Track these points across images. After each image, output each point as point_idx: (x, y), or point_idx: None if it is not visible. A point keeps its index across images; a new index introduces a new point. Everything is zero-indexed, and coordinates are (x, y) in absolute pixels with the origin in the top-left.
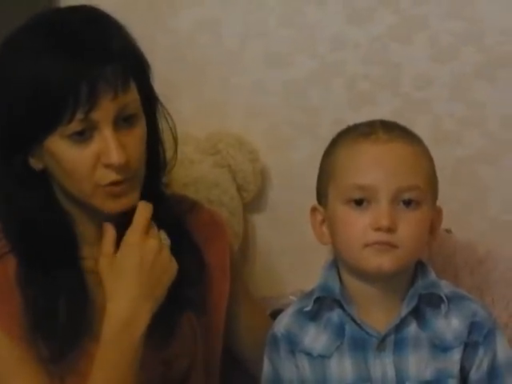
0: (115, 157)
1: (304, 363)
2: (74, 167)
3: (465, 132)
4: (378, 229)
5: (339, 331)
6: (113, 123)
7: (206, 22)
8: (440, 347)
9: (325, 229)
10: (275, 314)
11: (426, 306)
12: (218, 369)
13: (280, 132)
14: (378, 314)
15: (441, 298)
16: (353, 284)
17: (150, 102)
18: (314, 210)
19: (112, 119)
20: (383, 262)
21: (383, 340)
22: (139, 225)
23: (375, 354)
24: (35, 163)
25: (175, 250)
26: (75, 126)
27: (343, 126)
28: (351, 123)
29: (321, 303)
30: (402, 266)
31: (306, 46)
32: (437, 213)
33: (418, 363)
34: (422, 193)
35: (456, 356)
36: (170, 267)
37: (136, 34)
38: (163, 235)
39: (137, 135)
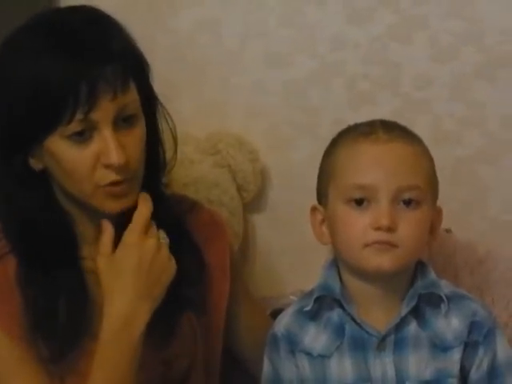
0: (115, 157)
1: (304, 363)
2: (74, 167)
3: (465, 132)
4: (378, 228)
5: (339, 331)
6: (112, 123)
7: (206, 22)
8: (440, 347)
9: (325, 229)
10: (275, 314)
11: (425, 305)
12: (217, 369)
13: (280, 132)
14: (377, 313)
15: (441, 297)
16: (353, 284)
17: (149, 102)
18: (314, 209)
19: (112, 119)
20: (383, 261)
21: (383, 340)
22: (138, 224)
23: (375, 354)
24: (35, 163)
25: (175, 250)
26: (75, 126)
27: (343, 126)
28: (351, 123)
29: (321, 303)
30: (402, 265)
31: (306, 46)
32: (437, 213)
33: (418, 363)
34: (422, 192)
35: (456, 356)
36: (168, 266)
37: (136, 34)
38: (162, 234)
39: (136, 135)
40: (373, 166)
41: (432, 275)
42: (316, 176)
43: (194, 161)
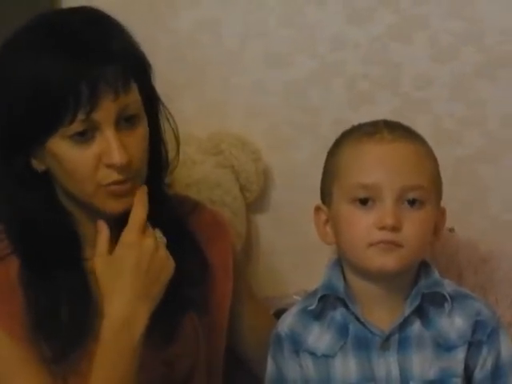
0: (117, 157)
1: (308, 363)
2: (76, 167)
3: (465, 132)
4: (383, 227)
5: (343, 330)
6: (114, 123)
7: (206, 22)
8: (444, 346)
9: (329, 228)
10: (279, 314)
11: (429, 304)
12: (220, 369)
13: (280, 132)
14: (381, 313)
15: (444, 296)
16: (357, 283)
17: (151, 102)
18: (317, 209)
19: (113, 119)
20: (387, 261)
21: (387, 339)
22: (135, 224)
23: (379, 354)
24: (37, 164)
25: (177, 251)
26: (77, 126)
27: (343, 126)
28: (351, 123)
29: (325, 302)
30: (406, 265)
31: (306, 46)
32: (441, 213)
33: (422, 362)
34: (425, 192)
35: (460, 355)
36: (167, 265)
37: (137, 34)
38: (158, 233)
39: (138, 135)
40: (377, 165)
41: (435, 275)
42: (318, 175)
43: (197, 161)
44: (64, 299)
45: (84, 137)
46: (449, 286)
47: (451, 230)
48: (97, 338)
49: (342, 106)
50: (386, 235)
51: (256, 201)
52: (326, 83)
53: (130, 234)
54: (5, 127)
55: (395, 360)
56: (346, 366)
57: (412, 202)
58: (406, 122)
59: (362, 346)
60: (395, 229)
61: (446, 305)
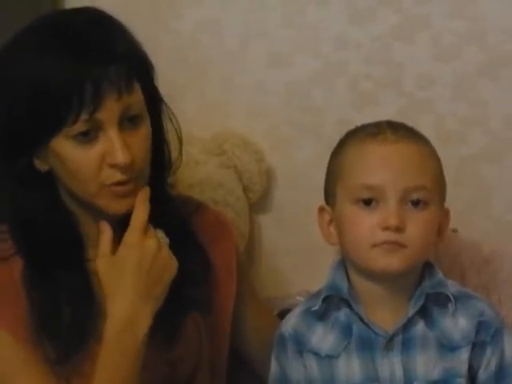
0: (120, 157)
1: (312, 363)
2: (79, 167)
3: (468, 131)
4: (387, 228)
5: (346, 331)
6: (118, 123)
7: (208, 22)
8: (448, 347)
9: (332, 229)
10: (283, 314)
11: (433, 305)
12: (224, 369)
13: (283, 132)
14: (385, 313)
15: (448, 297)
16: (360, 284)
17: (154, 102)
18: (321, 210)
19: (117, 119)
20: (391, 261)
21: (391, 339)
22: (137, 225)
23: (383, 354)
24: (41, 165)
25: (180, 251)
26: (80, 126)
27: (346, 126)
28: (354, 123)
29: (328, 303)
30: (410, 265)
31: (309, 46)
32: (445, 214)
33: (425, 363)
34: (429, 193)
35: (464, 355)
36: (170, 265)
37: (139, 35)
38: (160, 234)
39: (142, 135)
40: (380, 166)
41: (439, 275)
42: (321, 176)
43: (199, 161)
44: (67, 300)
45: (87, 137)
46: (452, 287)
47: (454, 230)
48: (100, 338)
49: (344, 106)
50: (390, 236)
51: (259, 201)
52: (329, 83)
53: (131, 234)
54: (9, 127)
55: (399, 360)
56: (350, 366)
57: (416, 203)
58: (408, 121)
59: (366, 346)
60: (399, 229)
61: (449, 305)
